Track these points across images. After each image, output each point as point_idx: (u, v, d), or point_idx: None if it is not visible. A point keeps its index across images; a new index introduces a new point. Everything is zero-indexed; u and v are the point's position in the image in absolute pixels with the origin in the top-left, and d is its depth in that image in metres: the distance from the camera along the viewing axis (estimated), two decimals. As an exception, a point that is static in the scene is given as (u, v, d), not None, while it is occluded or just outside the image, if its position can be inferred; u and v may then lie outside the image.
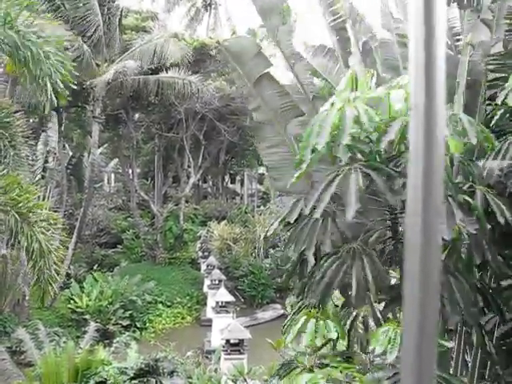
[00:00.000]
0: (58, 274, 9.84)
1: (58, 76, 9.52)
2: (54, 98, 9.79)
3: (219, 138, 40.46)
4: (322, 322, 5.52)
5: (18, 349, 19.99)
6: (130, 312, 28.83)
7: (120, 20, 31.46)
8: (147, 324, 30.07)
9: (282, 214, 6.76)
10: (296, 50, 8.16)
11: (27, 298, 27.72)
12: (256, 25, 46.29)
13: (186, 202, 41.91)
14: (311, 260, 5.95)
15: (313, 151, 5.46)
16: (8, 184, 9.39)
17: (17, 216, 9.19)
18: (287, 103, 7.76)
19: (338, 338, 5.74)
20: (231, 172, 58.69)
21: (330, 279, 5.42)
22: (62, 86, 9.72)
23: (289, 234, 6.48)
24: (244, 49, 7.95)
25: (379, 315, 6.17)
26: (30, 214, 9.34)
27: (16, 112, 11.44)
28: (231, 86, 34.24)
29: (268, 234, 7.36)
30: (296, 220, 6.20)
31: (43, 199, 21.32)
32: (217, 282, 30.35)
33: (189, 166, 39.89)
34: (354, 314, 6.35)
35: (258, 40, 47.17)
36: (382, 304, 6.07)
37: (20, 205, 9.32)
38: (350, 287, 5.71)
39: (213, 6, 58.61)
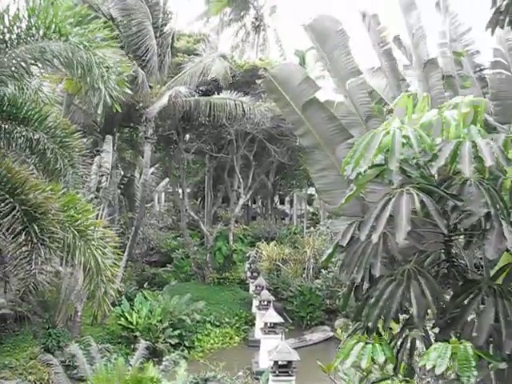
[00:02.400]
0: (112, 291, 10.04)
1: (112, 80, 9.74)
2: (108, 100, 9.97)
3: (269, 158, 40.66)
4: (369, 344, 5.47)
5: (71, 363, 20.36)
6: (178, 331, 28.99)
7: (172, 43, 32.15)
8: (195, 343, 30.17)
9: (336, 238, 6.74)
10: (351, 71, 8.14)
11: (79, 313, 28.28)
12: (304, 45, 46.66)
13: (236, 222, 42.09)
14: (359, 282, 5.91)
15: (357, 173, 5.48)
16: (67, 202, 9.69)
17: (75, 233, 9.46)
18: (336, 126, 7.74)
19: (385, 361, 5.67)
20: (280, 193, 58.74)
21: (385, 302, 5.38)
22: (116, 88, 9.94)
23: (341, 257, 6.47)
24: (291, 75, 7.95)
25: (431, 338, 6.07)
26: (88, 232, 9.61)
27: (74, 132, 11.76)
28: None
29: (322, 259, 7.33)
30: (348, 243, 6.19)
31: (96, 218, 21.80)
32: (265, 302, 30.25)
33: (238, 187, 40.11)
34: (403, 336, 6.25)
35: (306, 60, 47.55)
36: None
37: (78, 222, 9.60)
38: (404, 309, 5.64)
39: (262, 28, 59.27)
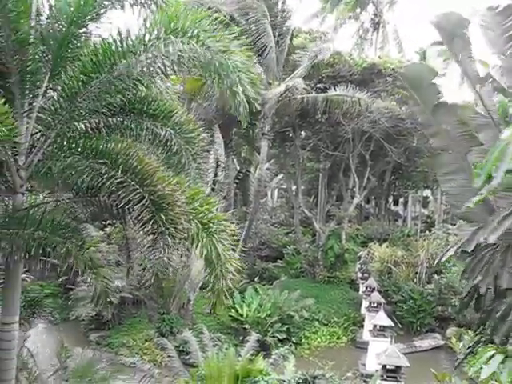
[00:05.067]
0: (230, 284, 10.35)
1: (246, 83, 10.13)
2: (246, 104, 10.40)
3: (385, 158, 39.92)
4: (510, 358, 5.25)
5: (184, 349, 21.16)
6: (286, 326, 29.26)
7: (291, 40, 32.38)
8: (303, 340, 30.37)
9: (459, 241, 6.58)
10: (481, 73, 7.91)
11: (191, 302, 29.33)
12: (425, 43, 45.21)
13: (349, 221, 41.74)
14: (483, 291, 5.72)
15: (488, 178, 5.30)
16: (192, 194, 10.10)
17: (199, 225, 9.85)
18: (466, 132, 7.57)
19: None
20: (395, 193, 57.54)
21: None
22: (252, 92, 10.35)
23: (465, 263, 6.29)
24: (420, 75, 7.86)
25: None
26: (210, 225, 9.97)
27: (196, 128, 12.16)
28: (401, 107, 33.71)
29: (442, 259, 7.17)
30: (474, 250, 5.99)
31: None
32: (375, 304, 29.87)
33: (353, 186, 39.73)
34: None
35: (427, 58, 46.12)
36: None
37: (201, 215, 9.98)
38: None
39: (381, 25, 58.15)
